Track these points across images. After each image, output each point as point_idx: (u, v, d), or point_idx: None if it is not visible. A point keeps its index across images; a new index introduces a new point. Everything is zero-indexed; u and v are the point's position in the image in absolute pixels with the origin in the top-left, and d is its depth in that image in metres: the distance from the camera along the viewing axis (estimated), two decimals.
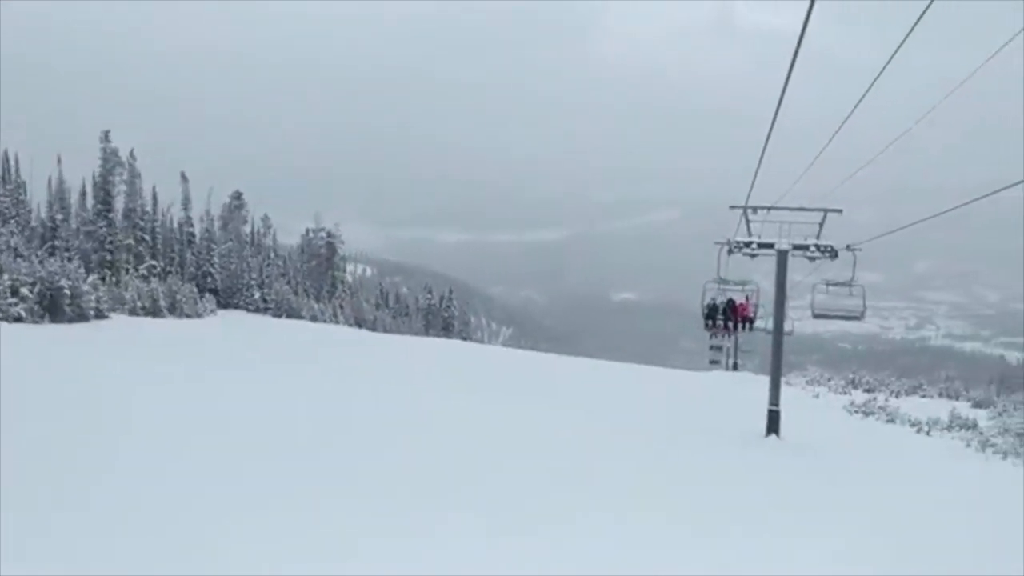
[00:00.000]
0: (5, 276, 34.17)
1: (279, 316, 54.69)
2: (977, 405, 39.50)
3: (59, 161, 50.84)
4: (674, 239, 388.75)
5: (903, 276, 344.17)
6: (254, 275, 55.92)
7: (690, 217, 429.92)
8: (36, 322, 34.53)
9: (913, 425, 25.49)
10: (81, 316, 36.91)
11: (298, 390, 19.66)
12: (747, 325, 29.20)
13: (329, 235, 67.06)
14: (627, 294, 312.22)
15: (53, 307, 35.72)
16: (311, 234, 68.17)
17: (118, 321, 38.60)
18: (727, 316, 27.72)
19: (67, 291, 36.13)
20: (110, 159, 48.19)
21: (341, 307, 63.72)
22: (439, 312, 79.84)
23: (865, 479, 15.69)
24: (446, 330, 79.14)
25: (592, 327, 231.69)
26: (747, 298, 27.21)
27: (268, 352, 31.46)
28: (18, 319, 33.91)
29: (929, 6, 7.67)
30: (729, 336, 34.12)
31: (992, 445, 21.10)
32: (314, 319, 56.41)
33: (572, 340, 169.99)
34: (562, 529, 9.70)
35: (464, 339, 75.53)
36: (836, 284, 21.78)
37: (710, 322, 27.86)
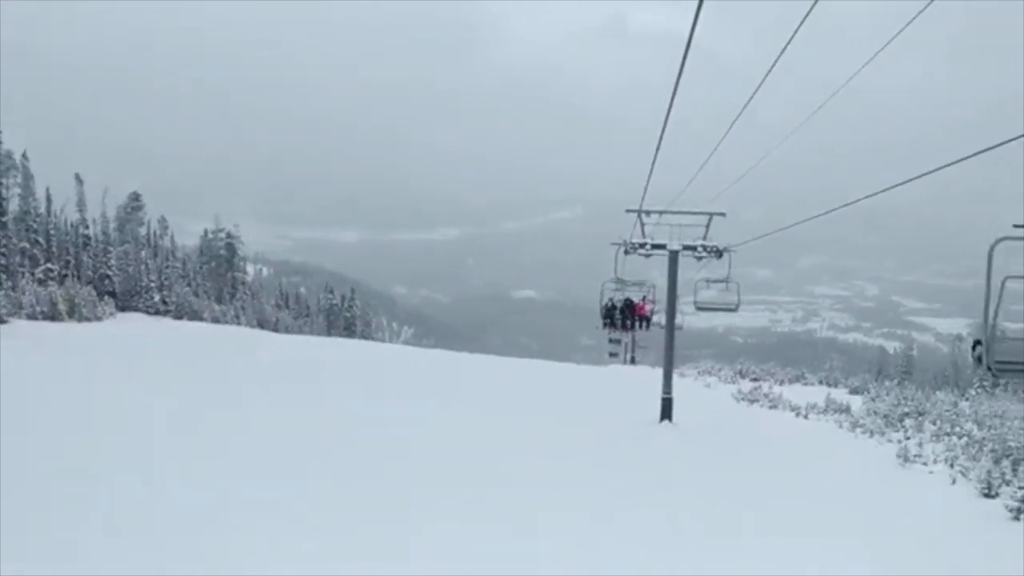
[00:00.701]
0: None
1: (180, 318, 54.20)
2: (854, 392, 42.29)
3: None
4: (574, 237, 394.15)
5: (791, 271, 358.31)
6: (153, 277, 55.24)
7: (591, 215, 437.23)
8: None
9: (793, 410, 27.56)
10: None
11: (221, 398, 20.33)
12: (644, 324, 30.63)
13: (229, 236, 66.54)
14: (528, 292, 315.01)
15: None
16: (210, 235, 67.45)
17: (18, 326, 37.91)
18: (624, 315, 28.96)
19: None
20: (3, 161, 46.99)
21: (243, 308, 63.38)
22: (341, 312, 79.96)
23: (745, 456, 17.42)
24: (348, 330, 79.29)
25: (494, 325, 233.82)
26: (644, 298, 28.68)
27: (174, 356, 31.65)
28: None
29: (813, 7, 7.96)
30: (627, 333, 35.63)
31: (861, 426, 23.22)
32: (216, 321, 56.06)
33: (474, 339, 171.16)
34: (476, 511, 10.92)
35: (365, 339, 76.05)
36: (715, 281, 24.19)
37: (608, 321, 28.92)
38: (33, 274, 46.53)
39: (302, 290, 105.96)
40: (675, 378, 22.39)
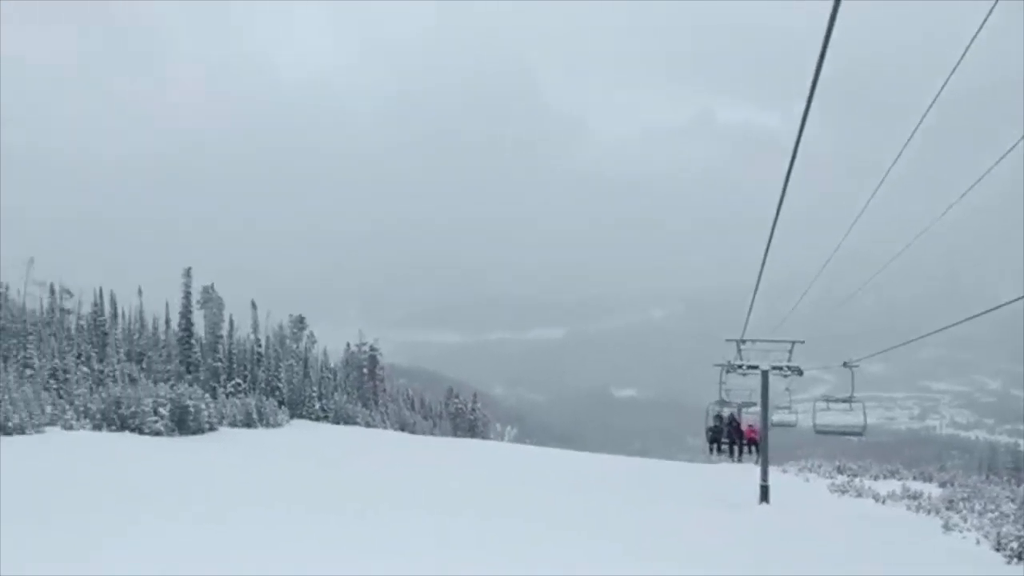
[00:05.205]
0: (148, 399, 42.41)
1: (337, 423, 62.65)
2: (942, 485, 47.37)
3: (140, 293, 59.44)
4: (675, 334, 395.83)
5: (907, 365, 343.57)
6: (314, 388, 64.16)
7: (688, 312, 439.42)
8: (170, 435, 42.43)
9: (874, 498, 33.57)
10: (199, 429, 44.84)
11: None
12: (752, 448, 30.76)
13: (372, 348, 75.79)
14: (629, 391, 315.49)
15: (181, 423, 43.72)
16: (353, 347, 76.73)
17: (227, 433, 46.60)
18: (731, 438, 30.36)
19: (191, 409, 44.23)
20: (213, 299, 57.06)
21: (386, 413, 71.88)
22: (466, 415, 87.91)
23: (822, 526, 23.95)
24: (471, 431, 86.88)
25: (595, 425, 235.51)
26: (751, 426, 30.17)
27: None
28: (157, 433, 41.94)
29: (922, 120, 9.02)
30: (733, 458, 32.91)
31: (923, 508, 29.23)
32: (368, 425, 64.39)
33: (576, 438, 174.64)
34: None
35: (484, 439, 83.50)
36: (836, 400, 26.35)
37: (714, 446, 30.60)
38: (225, 388, 55.77)
39: (409, 392, 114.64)
40: (777, 473, 28.75)
